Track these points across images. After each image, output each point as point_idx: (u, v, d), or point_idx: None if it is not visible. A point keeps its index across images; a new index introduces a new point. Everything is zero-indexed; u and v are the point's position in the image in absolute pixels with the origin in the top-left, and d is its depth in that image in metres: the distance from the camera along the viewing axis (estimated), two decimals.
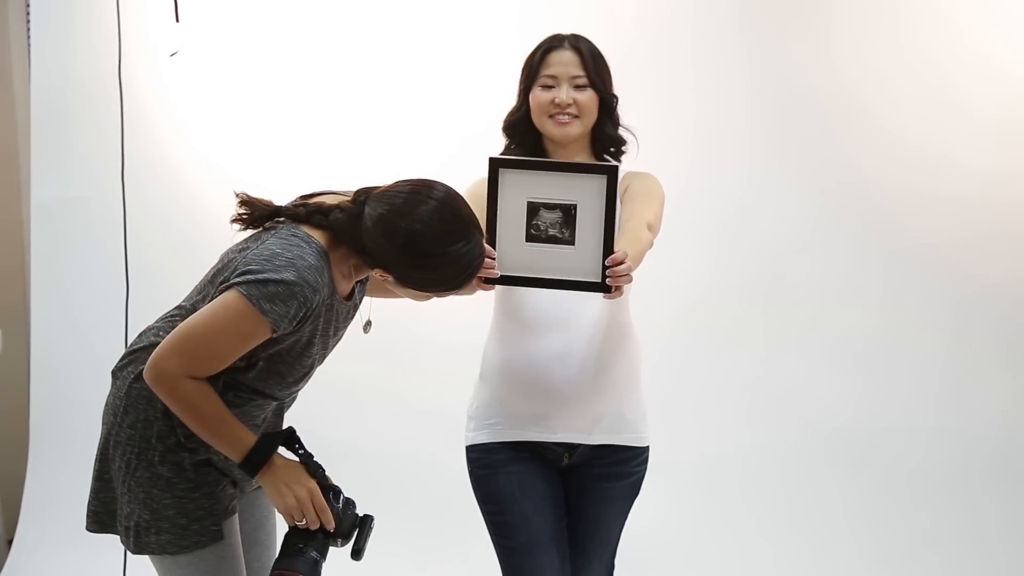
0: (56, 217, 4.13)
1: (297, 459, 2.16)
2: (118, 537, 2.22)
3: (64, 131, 4.11)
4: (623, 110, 2.53)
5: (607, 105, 2.48)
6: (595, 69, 2.44)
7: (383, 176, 3.85)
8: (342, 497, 2.15)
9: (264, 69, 4.02)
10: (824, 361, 3.86)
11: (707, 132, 3.86)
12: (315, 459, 2.16)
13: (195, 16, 3.94)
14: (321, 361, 2.25)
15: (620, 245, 2.17)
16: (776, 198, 3.86)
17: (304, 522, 2.10)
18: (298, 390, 2.29)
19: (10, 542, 4.16)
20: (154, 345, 2.13)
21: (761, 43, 3.85)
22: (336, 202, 2.14)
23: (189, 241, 4.06)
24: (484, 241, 2.16)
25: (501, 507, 2.46)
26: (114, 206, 3.86)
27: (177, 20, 3.87)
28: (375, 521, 2.18)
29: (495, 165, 2.20)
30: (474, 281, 2.14)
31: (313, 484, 2.11)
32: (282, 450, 2.17)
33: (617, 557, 2.65)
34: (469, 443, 2.52)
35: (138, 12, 3.93)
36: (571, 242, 2.18)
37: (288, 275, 2.00)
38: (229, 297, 2.01)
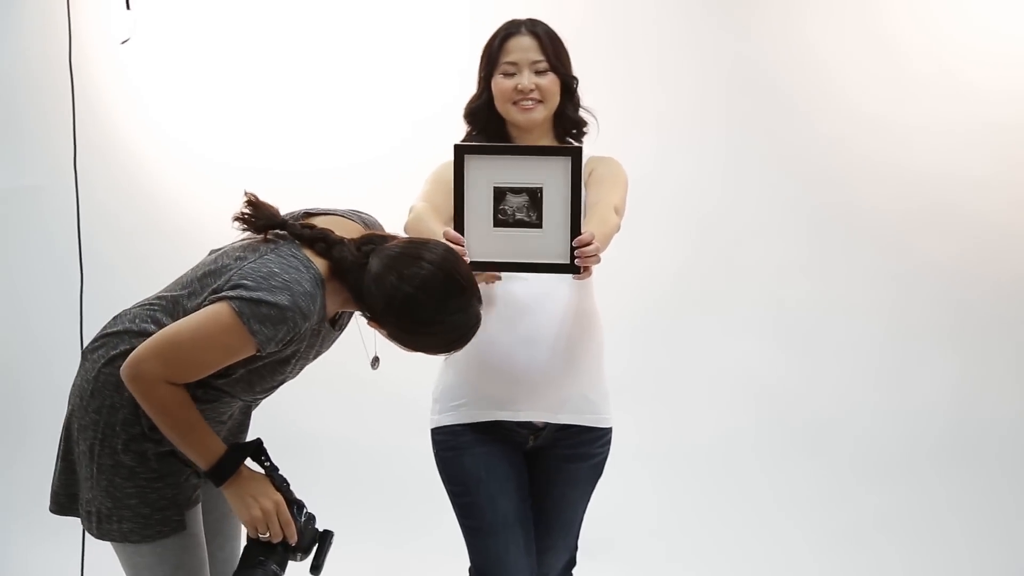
0: (7, 206, 4.07)
1: (263, 471, 2.15)
2: (78, 520, 2.21)
3: (15, 119, 4.06)
4: (583, 94, 2.54)
5: (568, 87, 2.50)
6: (554, 52, 2.46)
7: (339, 158, 3.92)
8: (305, 511, 2.16)
9: (218, 54, 4.00)
10: (783, 345, 3.90)
11: (666, 114, 3.88)
12: (280, 472, 2.16)
13: (146, 2, 3.90)
14: (293, 377, 2.24)
15: (588, 227, 2.19)
16: (738, 182, 3.89)
17: (267, 535, 2.10)
18: (264, 397, 2.29)
19: None
20: (128, 331, 2.12)
21: (720, 26, 3.87)
22: (342, 235, 2.13)
23: (145, 228, 4.04)
24: (452, 228, 2.17)
25: (467, 488, 2.47)
26: (67, 194, 3.82)
27: (128, 7, 3.84)
28: (334, 536, 2.19)
29: (460, 152, 2.20)
30: None
31: (279, 497, 2.11)
32: (249, 462, 2.17)
33: (580, 538, 2.68)
34: (435, 425, 2.52)
35: None
36: (539, 225, 2.19)
37: (282, 299, 1.99)
38: (220, 310, 2.00)
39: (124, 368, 2.02)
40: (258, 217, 2.14)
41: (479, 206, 2.19)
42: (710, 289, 3.92)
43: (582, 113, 2.54)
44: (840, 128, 3.83)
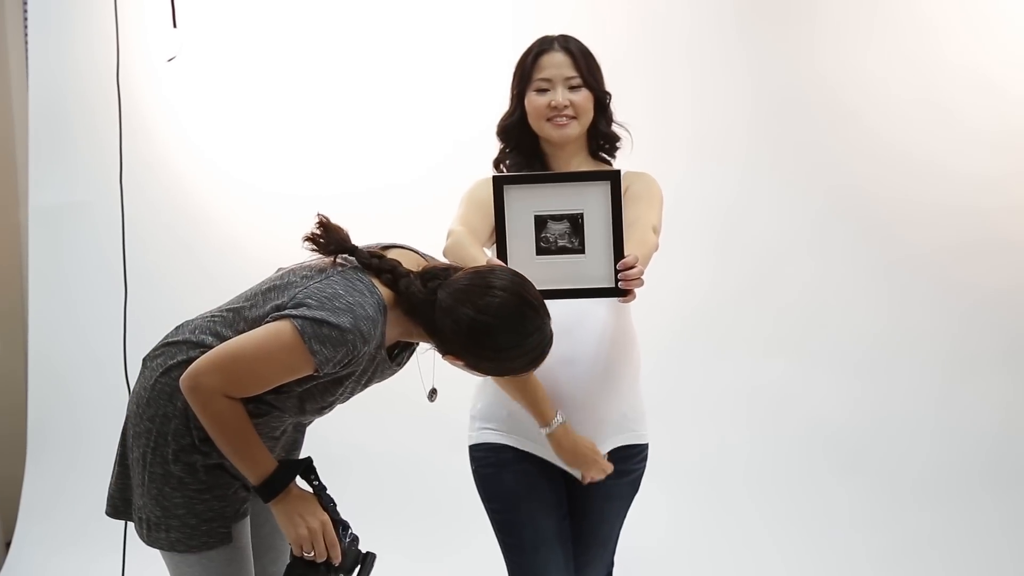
0: (54, 221, 4.15)
1: (311, 490, 2.17)
2: (120, 528, 2.24)
3: (62, 136, 4.13)
4: (617, 111, 2.54)
5: (601, 103, 2.50)
6: (587, 68, 2.46)
7: (380, 179, 3.95)
8: (349, 532, 2.17)
9: (261, 73, 4.05)
10: (820, 365, 3.88)
11: (700, 135, 3.88)
12: (328, 492, 2.18)
13: (192, 21, 3.97)
14: (342, 402, 2.25)
15: (628, 249, 2.19)
16: (770, 202, 3.89)
17: (312, 554, 2.11)
18: (315, 417, 2.30)
19: (8, 544, 4.18)
20: (187, 342, 2.15)
21: (754, 47, 3.88)
22: (410, 269, 2.15)
23: (187, 245, 4.09)
24: (496, 259, 2.19)
25: (506, 505, 2.48)
26: (112, 210, 3.87)
27: (175, 25, 3.90)
28: (376, 559, 2.19)
29: (499, 183, 2.22)
30: None
31: (326, 517, 2.12)
32: (299, 480, 2.18)
33: (617, 555, 2.68)
34: (473, 442, 2.54)
35: (136, 17, 3.96)
36: (581, 250, 2.20)
37: (344, 320, 2.00)
38: (282, 328, 2.02)
39: (183, 379, 2.05)
40: (328, 240, 2.15)
41: (521, 235, 2.20)
42: (742, 309, 3.91)
43: (615, 128, 2.54)
44: (875, 150, 3.82)
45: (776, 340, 3.89)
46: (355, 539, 2.17)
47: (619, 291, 2.18)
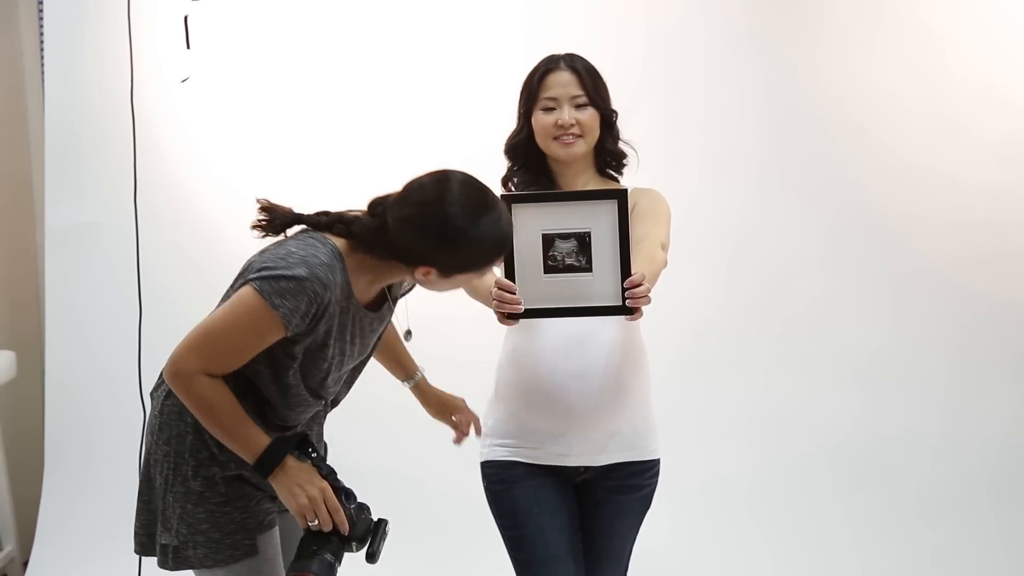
0: (70, 242, 4.17)
1: (309, 462, 2.17)
2: (135, 551, 2.26)
3: (77, 157, 4.16)
4: (631, 128, 2.57)
5: (607, 121, 2.52)
6: (593, 87, 2.48)
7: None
8: (355, 500, 2.17)
9: (274, 94, 4.08)
10: (829, 379, 3.89)
11: (713, 152, 3.91)
12: (327, 463, 2.19)
13: (206, 43, 3.99)
14: (339, 371, 2.25)
15: (636, 267, 2.21)
16: (782, 217, 3.90)
17: (317, 523, 2.12)
18: (329, 398, 2.31)
19: (25, 564, 4.20)
20: None
21: (767, 64, 3.91)
22: (357, 214, 2.19)
23: (201, 265, 4.10)
24: (504, 277, 2.21)
25: (517, 521, 2.49)
26: (127, 231, 3.90)
27: (188, 47, 3.93)
28: (389, 525, 2.20)
29: (507, 202, 2.23)
30: (497, 317, 2.21)
31: (325, 484, 2.13)
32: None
33: (629, 569, 2.68)
34: (484, 459, 2.55)
35: (150, 39, 3.99)
36: (588, 269, 2.21)
37: (299, 271, 2.04)
38: (243, 292, 2.07)
39: (165, 368, 2.09)
40: (274, 218, 2.20)
41: (529, 254, 2.22)
42: (754, 324, 3.92)
43: (622, 145, 2.56)
44: (884, 164, 3.84)
45: (786, 354, 3.90)
46: (363, 507, 2.17)
47: (626, 309, 2.19)
